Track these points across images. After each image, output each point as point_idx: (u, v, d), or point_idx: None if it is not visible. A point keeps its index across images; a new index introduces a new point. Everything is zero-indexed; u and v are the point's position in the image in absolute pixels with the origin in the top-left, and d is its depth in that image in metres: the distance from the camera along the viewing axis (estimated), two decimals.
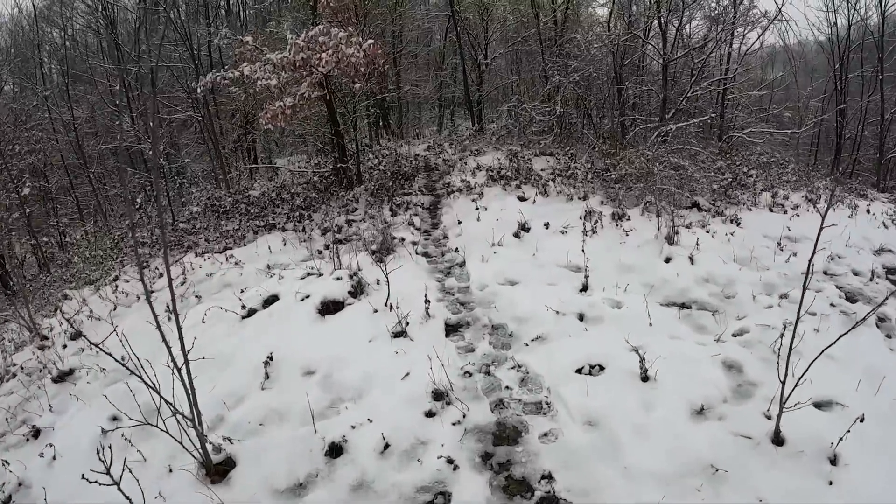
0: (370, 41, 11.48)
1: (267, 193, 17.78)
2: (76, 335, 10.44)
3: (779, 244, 11.41)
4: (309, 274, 10.38)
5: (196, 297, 11.50)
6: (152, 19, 22.29)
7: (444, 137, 24.30)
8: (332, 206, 14.66)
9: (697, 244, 10.55)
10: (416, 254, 11.22)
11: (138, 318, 10.99)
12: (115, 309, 12.31)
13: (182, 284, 12.49)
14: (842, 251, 11.45)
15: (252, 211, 16.07)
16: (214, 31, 18.25)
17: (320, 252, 12.20)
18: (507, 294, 9.19)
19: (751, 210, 13.46)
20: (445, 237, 12.08)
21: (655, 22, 17.44)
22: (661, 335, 8.06)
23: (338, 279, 9.50)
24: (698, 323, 8.63)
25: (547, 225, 11.69)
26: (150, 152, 19.47)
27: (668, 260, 10.33)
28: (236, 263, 12.39)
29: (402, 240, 11.94)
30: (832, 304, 9.33)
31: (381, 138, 26.48)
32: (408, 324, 8.17)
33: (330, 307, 9.14)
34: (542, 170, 16.08)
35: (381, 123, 26.70)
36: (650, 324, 8.25)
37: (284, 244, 13.04)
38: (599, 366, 7.35)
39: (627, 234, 11.39)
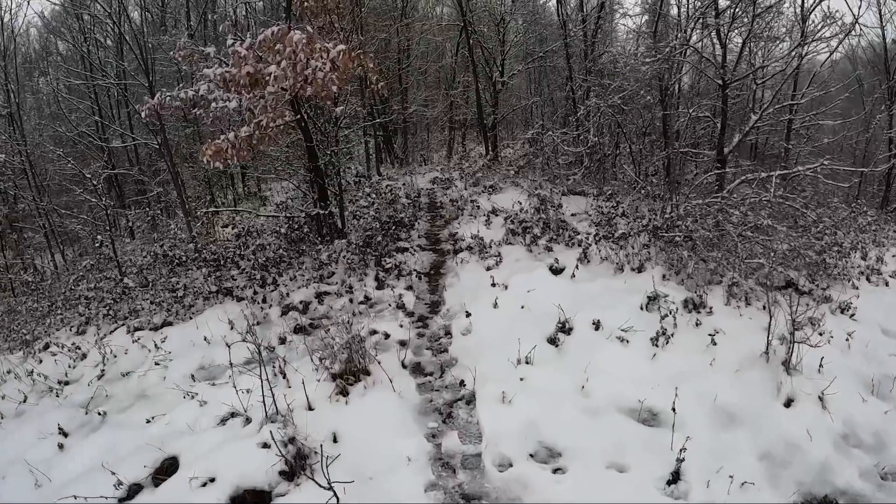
0: (340, 47, 7.36)
1: (241, 237, 13.78)
2: None
3: None
4: (233, 415, 6.30)
5: (100, 413, 7.60)
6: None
7: (453, 165, 20.18)
8: (305, 268, 10.56)
9: (821, 367, 6.36)
10: (403, 366, 7.07)
11: (28, 435, 7.30)
12: (24, 401, 8.66)
13: (99, 379, 8.61)
14: None
15: (211, 266, 12.00)
16: (168, 40, 14.19)
17: (272, 349, 8.14)
18: (544, 488, 5.00)
19: (856, 287, 9.23)
20: (448, 334, 7.90)
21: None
22: None
23: (264, 446, 5.35)
24: None
25: (597, 324, 7.48)
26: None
27: (789, 403, 6.13)
28: (158, 364, 8.42)
29: (386, 336, 7.83)
30: None
31: (383, 164, 22.42)
32: None
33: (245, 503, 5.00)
34: (573, 215, 11.90)
35: (383, 148, 22.68)
36: None
37: (231, 328, 9.00)
38: None
39: (714, 342, 7.16)
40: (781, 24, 15.33)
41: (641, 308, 8.04)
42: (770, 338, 6.92)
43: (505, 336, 7.36)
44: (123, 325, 10.52)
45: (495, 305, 8.10)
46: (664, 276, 9.02)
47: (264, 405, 5.90)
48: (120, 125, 19.34)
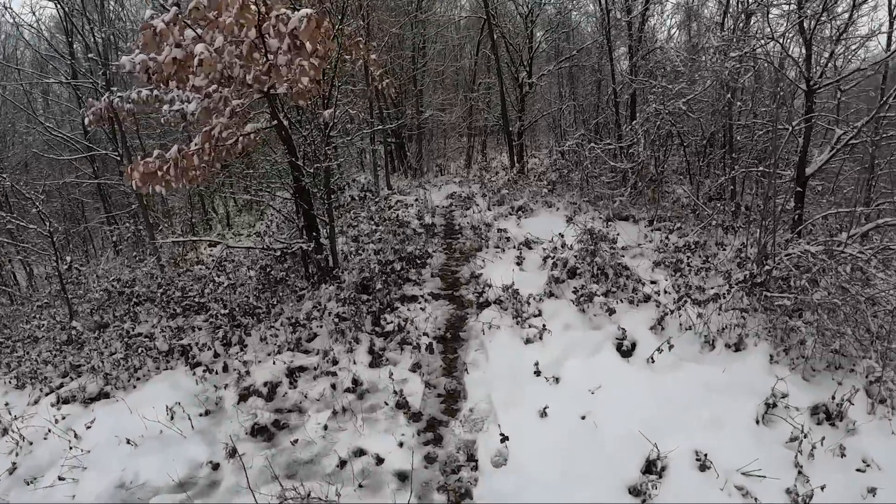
0: (304, 13, 4.49)
1: (213, 268, 11.01)
2: None
3: None
4: None
5: None
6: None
7: (473, 176, 17.35)
8: (281, 323, 7.78)
9: None
10: None
11: None
12: None
13: (11, 473, 6.35)
14: None
15: (174, 308, 9.30)
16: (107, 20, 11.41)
17: (214, 467, 5.42)
18: None
19: None
20: (471, 459, 5.05)
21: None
22: None
23: None
24: None
25: (702, 459, 4.62)
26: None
27: None
28: (62, 479, 5.73)
29: (379, 460, 5.03)
30: None
31: (396, 174, 19.64)
32: None
33: None
34: (623, 248, 9.01)
35: (395, 156, 19.92)
36: None
37: (172, 417, 6.32)
38: None
39: (873, 491, 4.31)
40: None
41: (757, 422, 5.18)
42: None
43: (561, 475, 4.55)
44: (59, 389, 7.90)
45: (543, 414, 5.24)
46: (771, 358, 6.13)
47: None
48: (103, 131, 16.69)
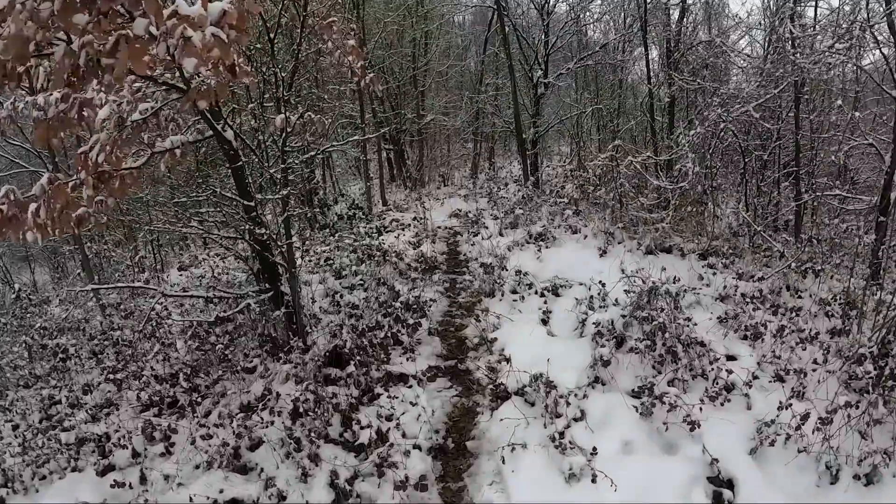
0: None
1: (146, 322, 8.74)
2: None
3: None
4: None
5: None
6: None
7: (480, 187, 15.09)
8: (220, 415, 5.51)
9: None
10: None
11: None
12: None
13: None
14: None
15: (100, 374, 7.10)
16: None
17: None
18: None
19: None
20: None
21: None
22: None
23: None
24: None
25: None
26: None
27: None
28: None
29: None
30: None
31: (394, 183, 17.42)
32: None
33: None
34: (673, 296, 6.68)
35: (393, 164, 17.71)
36: None
37: None
38: None
39: None
40: None
41: None
42: None
43: None
44: None
45: None
46: None
47: None
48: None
